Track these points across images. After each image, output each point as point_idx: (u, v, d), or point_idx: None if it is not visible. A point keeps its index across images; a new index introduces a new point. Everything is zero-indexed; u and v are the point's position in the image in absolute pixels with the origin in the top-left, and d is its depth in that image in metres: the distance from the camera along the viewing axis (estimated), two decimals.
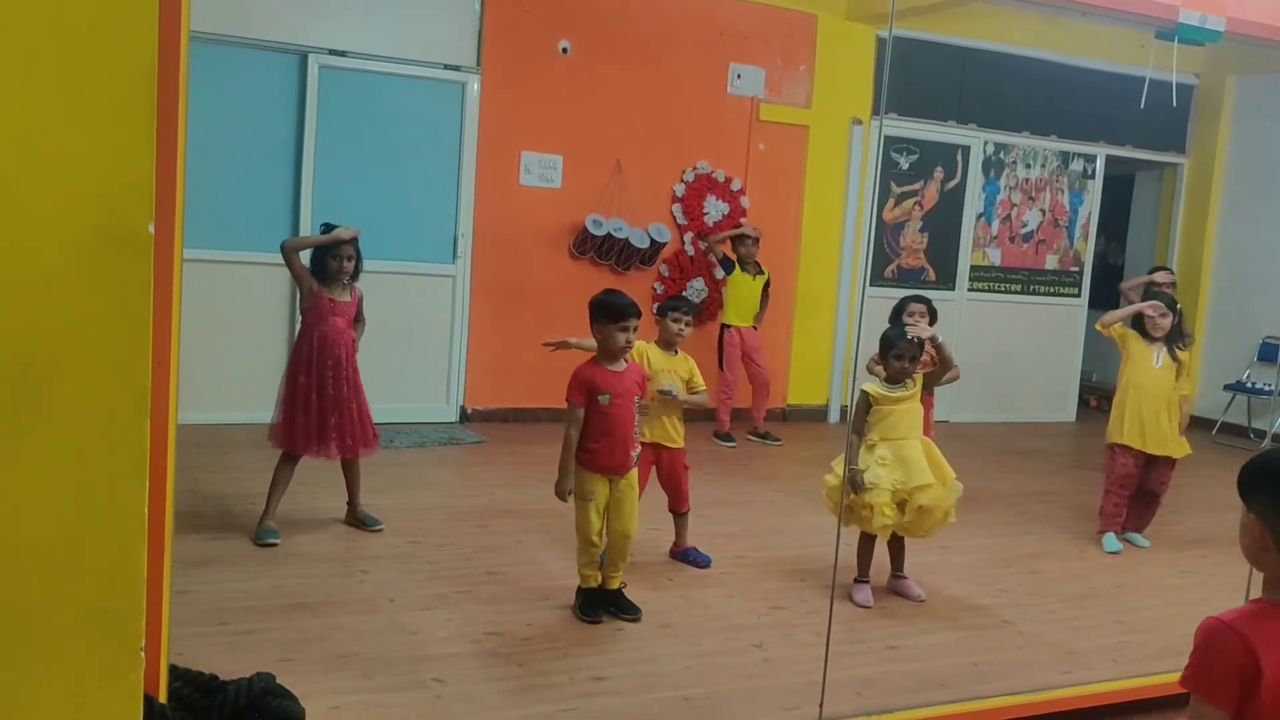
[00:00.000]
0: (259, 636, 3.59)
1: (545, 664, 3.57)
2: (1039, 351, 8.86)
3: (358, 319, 4.76)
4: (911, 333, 4.40)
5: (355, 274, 4.70)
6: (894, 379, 4.38)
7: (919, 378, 4.45)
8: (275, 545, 4.44)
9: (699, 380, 4.61)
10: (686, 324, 4.64)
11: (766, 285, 7.38)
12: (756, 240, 7.31)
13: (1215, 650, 1.85)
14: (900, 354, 4.35)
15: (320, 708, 2.94)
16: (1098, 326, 5.43)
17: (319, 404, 4.57)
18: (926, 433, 5.42)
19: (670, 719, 3.27)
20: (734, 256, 7.34)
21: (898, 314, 5.39)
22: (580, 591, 3.99)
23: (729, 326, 7.31)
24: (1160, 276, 7.27)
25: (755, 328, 7.36)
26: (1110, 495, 5.38)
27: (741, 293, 7.29)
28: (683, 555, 4.67)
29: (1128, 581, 4.95)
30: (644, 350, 4.50)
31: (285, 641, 3.56)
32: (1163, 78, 5.29)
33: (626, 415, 3.92)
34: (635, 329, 3.92)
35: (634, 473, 4.01)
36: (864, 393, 4.37)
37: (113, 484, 1.73)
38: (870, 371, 4.89)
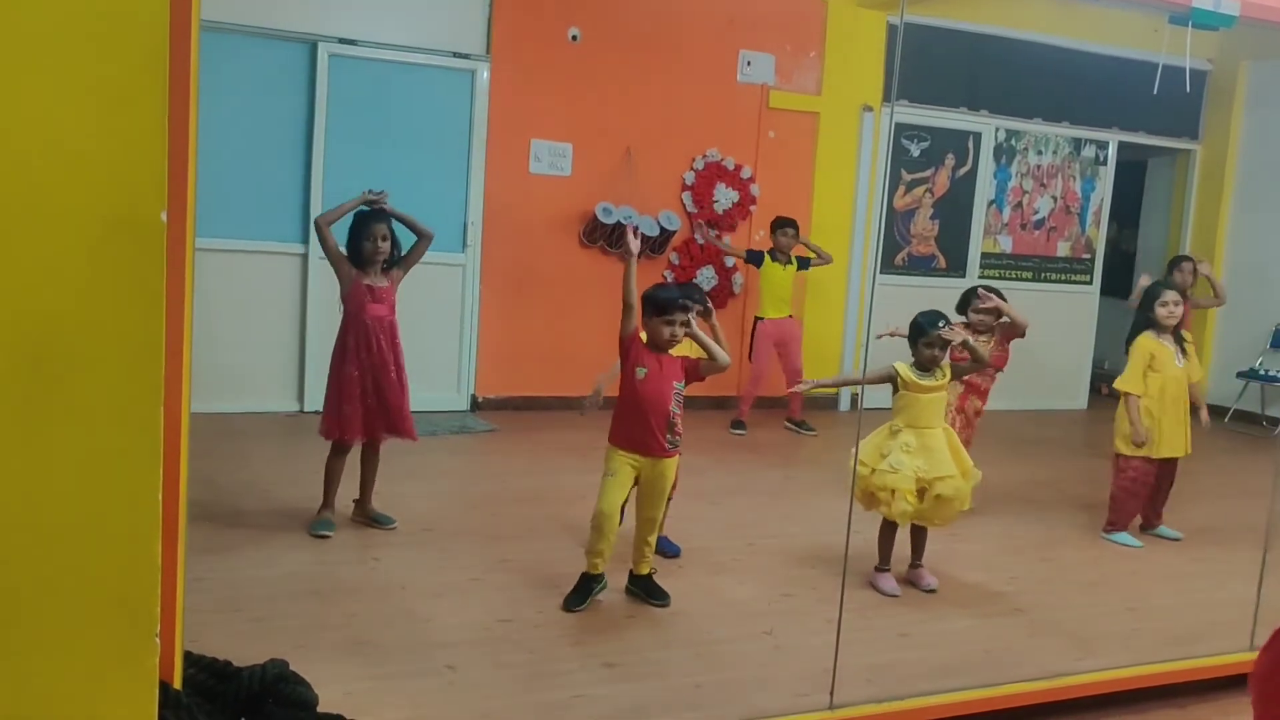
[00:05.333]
0: (272, 623, 3.61)
1: (557, 651, 3.58)
2: (1050, 339, 8.80)
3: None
4: (945, 335, 4.36)
5: (393, 259, 4.60)
6: (923, 366, 4.38)
7: (948, 368, 4.44)
8: (328, 537, 4.43)
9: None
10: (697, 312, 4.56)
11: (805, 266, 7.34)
12: (797, 231, 7.21)
13: None
14: (930, 343, 4.35)
15: (333, 694, 2.95)
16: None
17: (363, 393, 4.52)
18: (972, 424, 5.42)
19: (681, 706, 3.28)
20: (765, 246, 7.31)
21: (965, 303, 5.38)
22: (583, 576, 3.97)
23: (761, 318, 7.28)
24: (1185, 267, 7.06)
25: (791, 316, 7.32)
26: (1129, 500, 5.31)
27: (774, 284, 7.20)
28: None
29: (1140, 569, 4.94)
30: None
31: (298, 628, 3.57)
32: (1176, 63, 5.25)
33: (658, 397, 3.88)
34: (682, 323, 3.88)
35: (670, 462, 3.97)
36: (895, 370, 4.36)
37: (128, 472, 1.74)
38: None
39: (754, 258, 7.29)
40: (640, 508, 4.01)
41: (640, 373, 3.87)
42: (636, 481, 3.96)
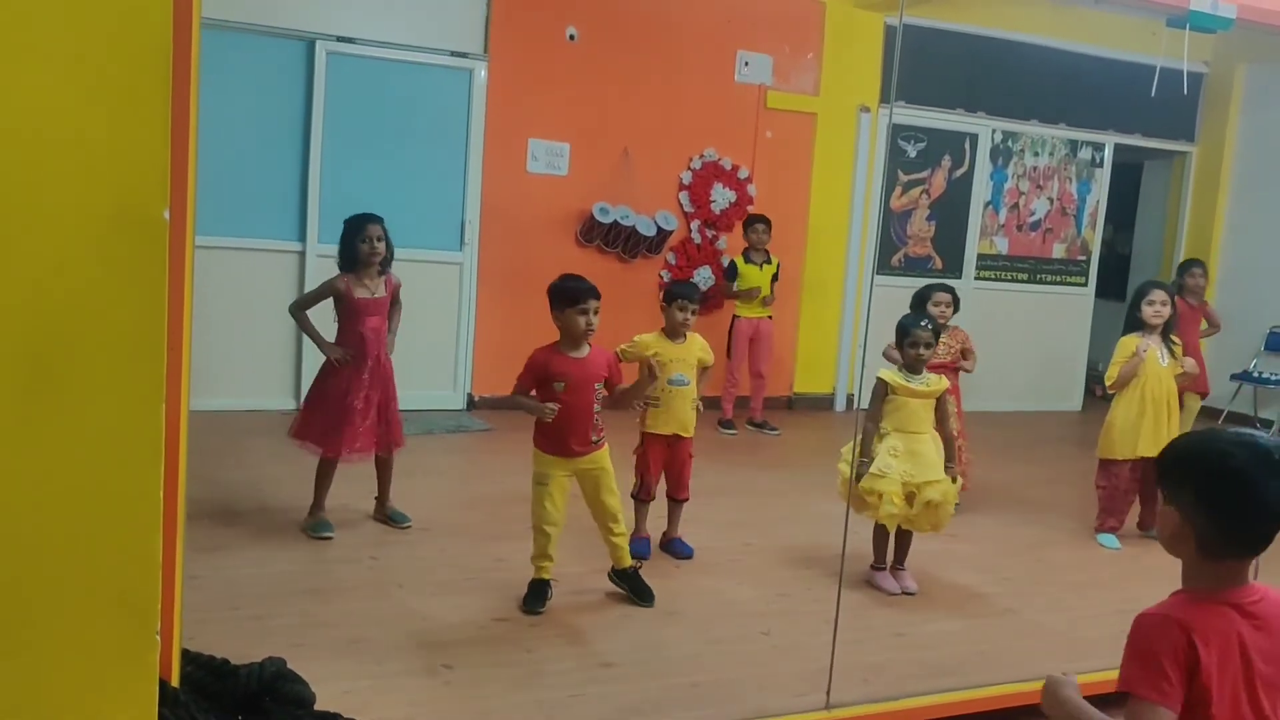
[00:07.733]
0: (270, 622, 3.61)
1: (553, 650, 3.59)
2: (1046, 341, 8.85)
3: (394, 305, 4.67)
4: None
5: (388, 261, 4.60)
6: (911, 368, 4.37)
7: (942, 379, 4.44)
8: (330, 539, 4.45)
9: (709, 356, 4.63)
10: (692, 311, 4.57)
11: (775, 275, 7.32)
12: (768, 227, 7.22)
13: (1159, 643, 1.76)
14: (915, 342, 4.34)
15: (331, 692, 2.95)
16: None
17: (355, 406, 4.51)
18: (960, 422, 5.41)
19: (678, 706, 3.28)
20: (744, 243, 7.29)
21: (920, 302, 5.36)
22: (531, 582, 3.93)
23: (739, 317, 7.28)
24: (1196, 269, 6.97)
25: (769, 318, 7.32)
26: (1112, 502, 5.34)
27: (750, 284, 7.21)
28: (668, 545, 4.62)
29: (1131, 570, 4.95)
30: (650, 343, 4.48)
31: (295, 627, 3.58)
32: (1173, 65, 5.26)
33: (583, 403, 3.82)
34: (595, 311, 3.84)
35: (600, 454, 3.90)
36: (881, 380, 4.36)
37: (129, 469, 1.74)
38: (886, 358, 4.87)
39: (729, 273, 7.27)
40: (591, 503, 3.95)
41: (559, 386, 3.80)
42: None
